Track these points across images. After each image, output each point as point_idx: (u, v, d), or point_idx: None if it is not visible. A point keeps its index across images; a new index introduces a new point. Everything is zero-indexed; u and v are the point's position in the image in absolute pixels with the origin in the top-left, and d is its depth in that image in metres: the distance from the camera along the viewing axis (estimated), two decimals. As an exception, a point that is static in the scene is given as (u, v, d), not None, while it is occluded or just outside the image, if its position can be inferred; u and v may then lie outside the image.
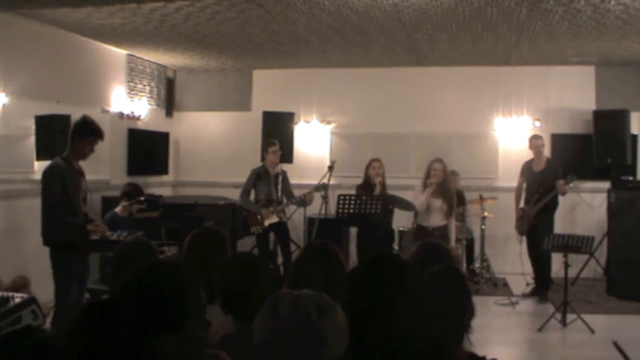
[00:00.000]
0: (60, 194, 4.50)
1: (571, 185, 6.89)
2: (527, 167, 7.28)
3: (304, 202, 6.98)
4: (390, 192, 6.74)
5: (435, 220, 6.29)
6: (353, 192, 6.67)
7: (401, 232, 7.89)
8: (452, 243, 6.29)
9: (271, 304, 1.57)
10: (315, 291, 1.62)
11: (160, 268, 1.81)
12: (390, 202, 6.61)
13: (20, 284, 4.66)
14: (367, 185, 6.64)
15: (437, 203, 6.24)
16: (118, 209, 5.81)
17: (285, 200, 7.15)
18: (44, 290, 4.72)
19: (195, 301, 1.72)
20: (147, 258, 2.85)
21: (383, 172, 6.64)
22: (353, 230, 8.14)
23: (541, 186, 6.98)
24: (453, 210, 6.33)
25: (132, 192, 5.98)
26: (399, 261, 1.95)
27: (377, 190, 6.52)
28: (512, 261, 7.64)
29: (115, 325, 1.45)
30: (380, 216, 6.43)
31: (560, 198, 7.15)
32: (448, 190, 6.29)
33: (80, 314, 1.48)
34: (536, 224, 6.97)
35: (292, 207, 7.48)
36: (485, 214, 7.64)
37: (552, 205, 7.04)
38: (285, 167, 7.58)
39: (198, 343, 1.70)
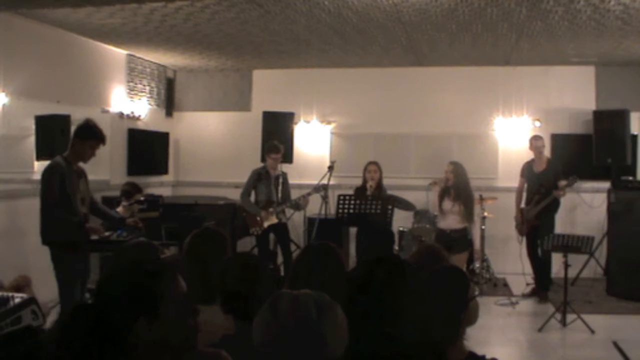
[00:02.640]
0: (59, 192, 4.49)
1: (575, 185, 6.88)
2: (528, 168, 7.27)
3: (298, 205, 6.97)
4: (390, 192, 6.73)
5: (451, 222, 6.27)
6: (352, 192, 6.67)
7: (401, 232, 7.89)
8: (477, 246, 6.24)
9: (271, 303, 1.57)
10: (315, 291, 1.62)
11: (130, 251, 1.82)
12: (390, 203, 6.60)
13: (22, 284, 4.65)
14: (362, 188, 6.65)
15: (448, 205, 6.22)
16: (120, 210, 5.81)
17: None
18: (45, 290, 4.72)
19: (169, 283, 1.68)
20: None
21: (379, 177, 6.61)
22: (353, 230, 8.14)
23: (542, 187, 6.97)
24: (471, 214, 6.27)
25: (130, 192, 5.99)
26: (399, 261, 1.95)
27: (369, 192, 6.52)
28: (512, 261, 7.64)
29: (98, 323, 1.44)
30: (380, 217, 6.43)
31: (562, 198, 7.14)
32: (462, 192, 6.26)
33: (69, 318, 1.48)
34: (537, 225, 6.97)
35: (292, 208, 7.48)
36: (485, 214, 7.64)
37: (554, 206, 7.02)
38: (285, 167, 7.58)
39: (179, 329, 1.65)
